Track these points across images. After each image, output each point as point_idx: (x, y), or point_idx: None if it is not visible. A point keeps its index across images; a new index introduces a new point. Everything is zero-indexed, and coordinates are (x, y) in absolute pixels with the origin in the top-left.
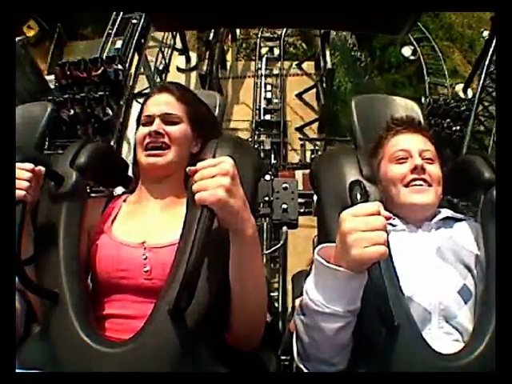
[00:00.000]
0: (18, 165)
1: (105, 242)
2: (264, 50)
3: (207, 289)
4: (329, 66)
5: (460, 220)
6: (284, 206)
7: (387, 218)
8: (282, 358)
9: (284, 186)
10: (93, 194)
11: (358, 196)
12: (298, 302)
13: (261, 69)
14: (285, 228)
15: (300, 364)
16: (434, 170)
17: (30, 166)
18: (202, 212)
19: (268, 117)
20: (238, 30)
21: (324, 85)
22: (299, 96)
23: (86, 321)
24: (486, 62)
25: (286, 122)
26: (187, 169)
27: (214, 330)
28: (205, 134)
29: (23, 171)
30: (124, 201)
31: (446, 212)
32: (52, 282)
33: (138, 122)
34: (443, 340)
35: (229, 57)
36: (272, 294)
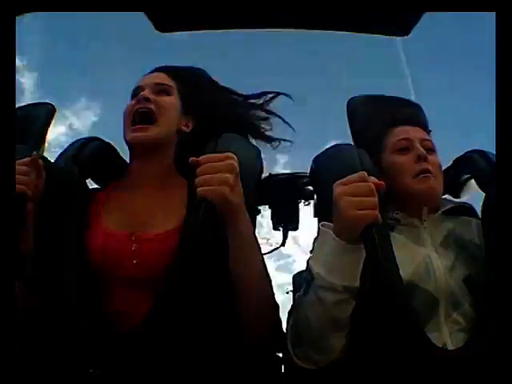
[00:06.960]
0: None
1: (94, 234)
2: None
3: (207, 286)
4: None
5: (463, 212)
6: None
7: (378, 185)
8: (281, 356)
9: None
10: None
11: None
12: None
13: None
14: None
15: (291, 350)
16: (436, 159)
17: (27, 159)
18: (204, 207)
19: None
20: None
21: None
22: None
23: (88, 318)
24: None
25: None
26: (190, 159)
27: (214, 328)
28: (197, 115)
29: (21, 166)
30: (113, 188)
31: (449, 204)
32: (52, 281)
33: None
34: (450, 328)
35: None
36: None
